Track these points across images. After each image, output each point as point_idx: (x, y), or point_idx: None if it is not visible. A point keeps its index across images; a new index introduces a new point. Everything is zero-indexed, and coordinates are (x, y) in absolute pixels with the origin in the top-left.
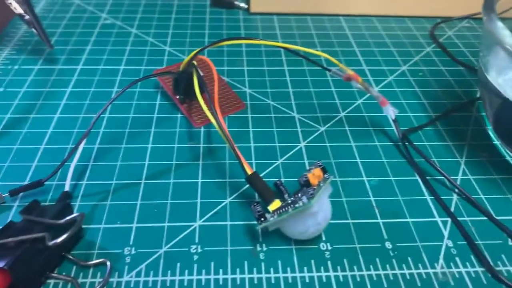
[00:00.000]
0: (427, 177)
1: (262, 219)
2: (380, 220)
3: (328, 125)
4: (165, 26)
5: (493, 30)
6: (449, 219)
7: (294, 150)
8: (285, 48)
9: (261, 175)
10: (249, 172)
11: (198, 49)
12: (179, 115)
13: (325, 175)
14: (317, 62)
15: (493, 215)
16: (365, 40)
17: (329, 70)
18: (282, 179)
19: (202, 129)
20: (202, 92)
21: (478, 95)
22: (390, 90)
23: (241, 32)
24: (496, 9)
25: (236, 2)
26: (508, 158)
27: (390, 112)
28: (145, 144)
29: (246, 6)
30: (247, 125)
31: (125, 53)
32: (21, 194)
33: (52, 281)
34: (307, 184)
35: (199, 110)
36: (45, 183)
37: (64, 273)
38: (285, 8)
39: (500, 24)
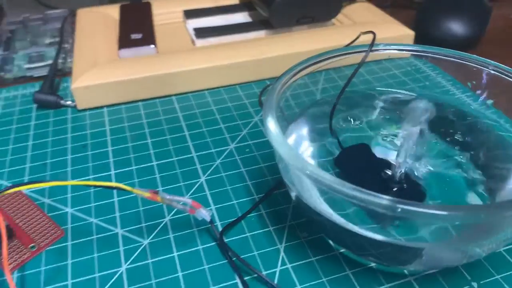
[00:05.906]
0: (247, 277)
1: None
2: None
3: (152, 235)
4: None
5: (269, 138)
6: None
7: (114, 279)
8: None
9: None
10: None
11: None
12: None
13: None
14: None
15: None
16: (196, 121)
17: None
18: None
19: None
20: None
21: None
22: (217, 176)
23: (67, 132)
24: (277, 108)
25: (62, 101)
26: (322, 233)
27: (204, 216)
28: None
29: (73, 104)
30: (65, 257)
31: None
32: None
33: None
34: None
35: None
36: None
37: None
38: (114, 99)
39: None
